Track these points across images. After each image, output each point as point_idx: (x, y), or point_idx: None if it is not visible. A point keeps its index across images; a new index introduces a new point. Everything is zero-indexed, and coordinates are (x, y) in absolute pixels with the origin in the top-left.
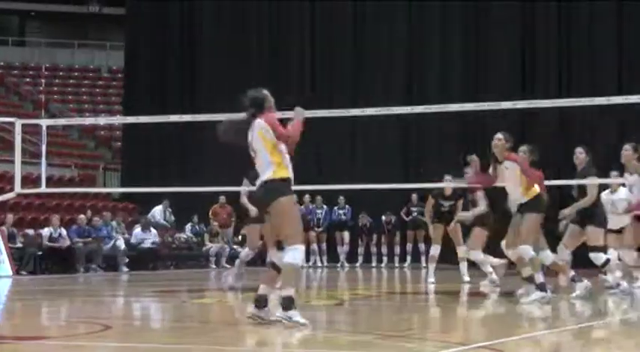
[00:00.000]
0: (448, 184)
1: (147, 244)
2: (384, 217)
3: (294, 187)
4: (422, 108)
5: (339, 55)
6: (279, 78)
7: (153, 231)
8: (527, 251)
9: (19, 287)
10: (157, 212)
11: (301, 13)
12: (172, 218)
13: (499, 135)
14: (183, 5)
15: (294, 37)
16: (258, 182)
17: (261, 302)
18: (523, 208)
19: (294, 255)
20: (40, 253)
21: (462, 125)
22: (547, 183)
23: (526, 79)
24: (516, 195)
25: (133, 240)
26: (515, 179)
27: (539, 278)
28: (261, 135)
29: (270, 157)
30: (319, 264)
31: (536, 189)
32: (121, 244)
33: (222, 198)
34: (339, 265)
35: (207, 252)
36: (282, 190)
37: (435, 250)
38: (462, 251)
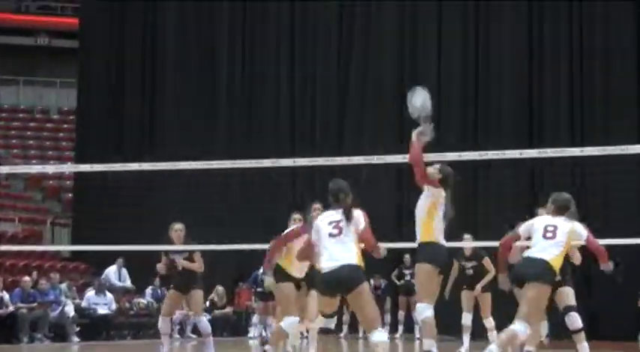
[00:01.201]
0: (469, 244)
1: (101, 310)
2: (372, 281)
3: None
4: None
5: (322, 97)
6: (251, 123)
7: (108, 295)
8: None
9: None
10: (111, 273)
11: (278, 48)
12: (128, 280)
13: None
14: (144, 38)
15: (270, 80)
16: (335, 264)
17: None
18: None
19: (383, 334)
20: None
21: (468, 173)
22: None
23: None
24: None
25: (84, 304)
26: None
27: None
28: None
29: (355, 245)
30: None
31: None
32: (71, 310)
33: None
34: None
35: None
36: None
37: (467, 319)
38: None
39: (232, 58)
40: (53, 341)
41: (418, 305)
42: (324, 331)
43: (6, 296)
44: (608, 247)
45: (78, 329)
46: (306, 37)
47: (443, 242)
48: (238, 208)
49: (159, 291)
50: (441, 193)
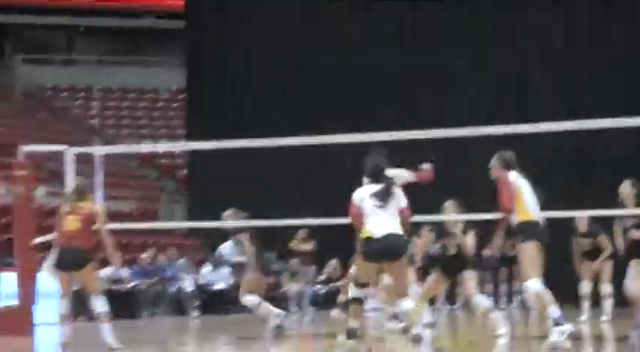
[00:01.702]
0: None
1: (218, 285)
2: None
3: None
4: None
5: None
6: (366, 96)
7: (224, 270)
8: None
9: (78, 334)
10: (226, 249)
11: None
12: (243, 254)
13: None
14: (251, 17)
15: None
16: (386, 230)
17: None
18: None
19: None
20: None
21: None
22: None
23: None
24: None
25: (202, 281)
26: None
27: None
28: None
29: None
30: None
31: None
32: (189, 285)
33: (303, 232)
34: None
35: (286, 294)
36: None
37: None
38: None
39: (339, 35)
40: (172, 315)
41: (526, 283)
42: (357, 301)
43: (126, 272)
44: None
45: (197, 303)
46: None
47: (538, 218)
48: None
49: (275, 266)
50: (509, 177)
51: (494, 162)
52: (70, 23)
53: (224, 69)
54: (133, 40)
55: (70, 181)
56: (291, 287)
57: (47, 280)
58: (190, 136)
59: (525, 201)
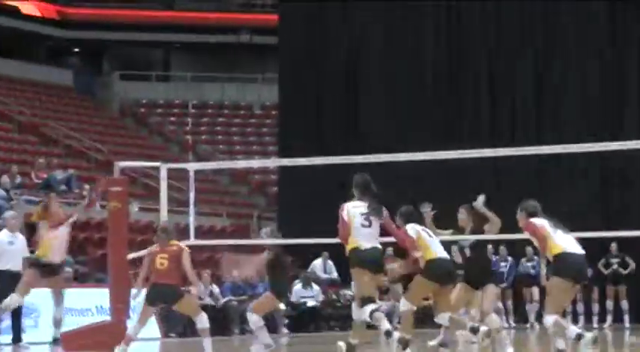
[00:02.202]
0: None
1: (309, 302)
2: None
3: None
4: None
5: (520, 91)
6: (452, 112)
7: (315, 287)
8: None
9: (168, 351)
10: (317, 266)
11: (481, 42)
12: (334, 272)
13: None
14: (343, 30)
15: (471, 67)
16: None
17: None
18: None
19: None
20: None
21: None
22: None
23: None
24: None
25: (292, 298)
26: None
27: None
28: None
29: None
30: (505, 325)
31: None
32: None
33: (390, 250)
34: (528, 325)
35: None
36: None
37: None
38: None
39: (438, 48)
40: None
41: (545, 317)
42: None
43: (216, 289)
44: None
45: (287, 321)
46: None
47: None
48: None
49: None
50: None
51: (518, 215)
52: (166, 40)
53: (316, 85)
54: (228, 55)
55: (164, 197)
56: (382, 305)
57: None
58: (282, 153)
59: (552, 238)
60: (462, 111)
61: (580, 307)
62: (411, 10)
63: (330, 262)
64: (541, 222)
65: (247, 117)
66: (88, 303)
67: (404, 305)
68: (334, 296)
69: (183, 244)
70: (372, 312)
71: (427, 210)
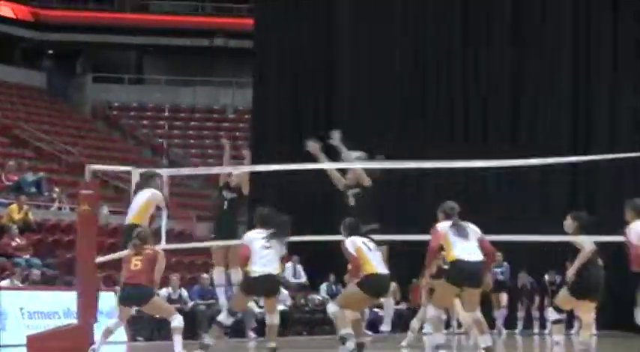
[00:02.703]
0: None
1: (277, 307)
2: (547, 276)
3: None
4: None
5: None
6: (426, 115)
7: (284, 291)
8: None
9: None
10: (287, 270)
11: (452, 46)
12: (304, 276)
13: None
14: (319, 35)
15: (445, 74)
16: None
17: None
18: None
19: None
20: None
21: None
22: None
23: None
24: None
25: (261, 302)
26: None
27: None
28: None
29: None
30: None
31: None
32: (253, 306)
33: None
34: (495, 331)
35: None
36: None
37: None
38: None
39: (405, 56)
40: (230, 337)
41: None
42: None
43: (185, 293)
44: None
45: (255, 325)
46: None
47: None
48: (415, 206)
49: (334, 288)
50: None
51: (438, 214)
52: (141, 43)
53: (291, 90)
54: (202, 59)
55: None
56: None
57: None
58: (255, 158)
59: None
60: (439, 116)
61: (536, 313)
62: (385, 15)
63: (299, 266)
64: (443, 228)
65: (220, 121)
66: (56, 306)
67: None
68: (302, 301)
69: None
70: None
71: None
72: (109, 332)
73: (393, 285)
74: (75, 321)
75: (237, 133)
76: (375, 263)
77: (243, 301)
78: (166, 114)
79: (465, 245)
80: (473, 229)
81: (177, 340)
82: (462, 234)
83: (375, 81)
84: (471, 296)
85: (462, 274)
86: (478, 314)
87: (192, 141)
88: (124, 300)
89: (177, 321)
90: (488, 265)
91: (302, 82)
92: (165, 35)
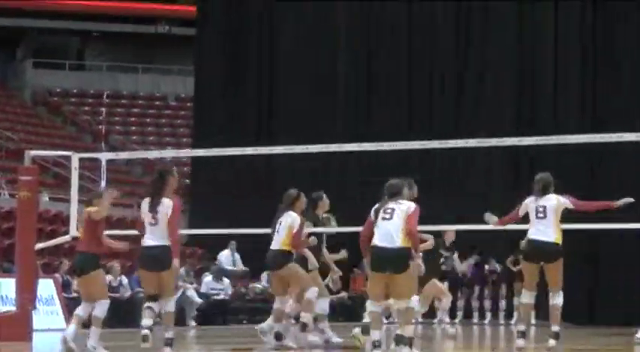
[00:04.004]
0: None
1: (218, 295)
2: (487, 266)
3: None
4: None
5: (438, 81)
6: (369, 103)
7: (225, 280)
8: None
9: (72, 342)
10: (224, 257)
11: (396, 27)
12: (241, 264)
13: None
14: (261, 24)
15: (385, 55)
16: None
17: None
18: None
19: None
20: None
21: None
22: None
23: None
24: None
25: (203, 289)
26: None
27: None
28: None
29: None
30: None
31: None
32: (194, 295)
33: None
34: (435, 321)
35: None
36: None
37: None
38: None
39: (350, 42)
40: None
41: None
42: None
43: (125, 280)
44: None
45: (196, 313)
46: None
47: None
48: (355, 192)
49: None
50: None
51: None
52: (83, 28)
53: (233, 78)
54: (145, 46)
55: (75, 186)
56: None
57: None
58: (196, 144)
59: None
60: (378, 103)
61: (487, 303)
62: (326, 5)
63: (237, 254)
64: (372, 213)
65: (162, 108)
66: None
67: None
68: (243, 290)
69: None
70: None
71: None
72: (77, 318)
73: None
74: (13, 308)
75: (179, 121)
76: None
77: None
78: (107, 100)
79: (383, 229)
80: (401, 209)
81: (95, 332)
82: (384, 215)
83: (317, 69)
84: (397, 284)
85: (377, 262)
86: (403, 304)
87: (133, 127)
88: (72, 271)
89: (100, 310)
90: (414, 247)
91: (244, 70)
92: (107, 21)
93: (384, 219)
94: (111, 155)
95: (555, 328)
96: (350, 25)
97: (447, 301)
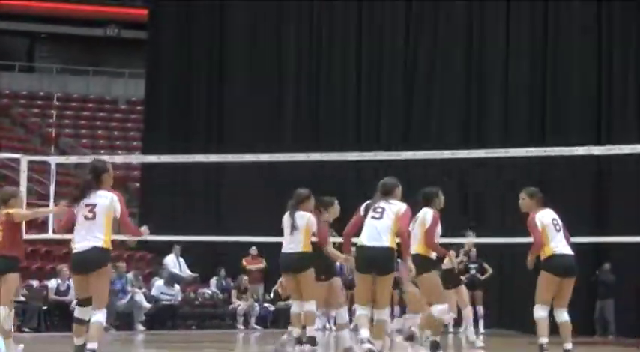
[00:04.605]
0: None
1: (168, 301)
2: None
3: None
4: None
5: (386, 92)
6: (317, 112)
7: (177, 286)
8: None
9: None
10: (170, 261)
11: (345, 36)
12: (186, 267)
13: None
14: (212, 28)
15: (337, 62)
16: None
17: None
18: None
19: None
20: (45, 308)
21: (525, 172)
22: None
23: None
24: None
25: (154, 292)
26: None
27: None
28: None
29: None
30: None
31: None
32: (142, 299)
33: (254, 250)
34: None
35: (234, 311)
36: None
37: None
38: None
39: (299, 50)
40: (118, 329)
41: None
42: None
43: (72, 284)
44: None
45: (144, 318)
46: (373, 32)
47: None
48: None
49: (223, 282)
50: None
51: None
52: (32, 30)
53: (183, 82)
54: (95, 49)
55: (23, 189)
56: (240, 305)
57: None
58: (146, 149)
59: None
60: (328, 110)
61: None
62: (277, 9)
63: (181, 259)
64: (363, 207)
65: (112, 111)
66: None
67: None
68: (192, 295)
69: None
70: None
71: None
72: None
73: (282, 280)
74: None
75: (130, 124)
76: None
77: None
78: (57, 103)
79: (371, 228)
80: (391, 208)
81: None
82: (374, 214)
83: (265, 74)
84: (379, 289)
85: (363, 262)
86: (383, 315)
87: (83, 130)
88: None
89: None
90: (405, 248)
91: (194, 74)
92: (57, 23)
93: (373, 217)
94: (60, 158)
95: (568, 346)
96: (299, 32)
97: (467, 311)
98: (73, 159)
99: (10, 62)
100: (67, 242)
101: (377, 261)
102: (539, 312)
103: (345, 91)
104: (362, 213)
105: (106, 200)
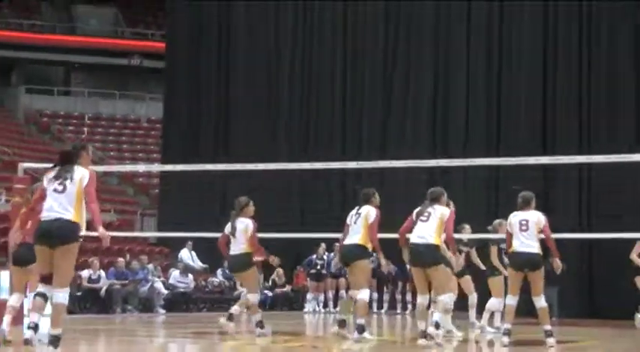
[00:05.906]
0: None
1: (184, 288)
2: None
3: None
4: (446, 162)
5: (367, 109)
6: (309, 128)
7: (190, 276)
8: None
9: None
10: (184, 254)
11: (332, 65)
12: (198, 261)
13: None
14: (219, 61)
15: (325, 89)
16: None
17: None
18: None
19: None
20: (79, 293)
21: (484, 180)
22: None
23: (547, 136)
24: None
25: (171, 281)
26: None
27: None
28: None
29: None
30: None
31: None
32: (161, 287)
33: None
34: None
35: (238, 296)
36: None
37: None
38: None
39: (293, 77)
40: (141, 312)
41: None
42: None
43: (103, 274)
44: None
45: (163, 302)
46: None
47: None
48: (296, 207)
49: (227, 271)
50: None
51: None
52: (68, 60)
53: (194, 104)
54: (121, 76)
55: None
56: (242, 291)
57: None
58: (164, 160)
59: None
60: (325, 129)
61: (409, 296)
62: (274, 43)
63: (193, 252)
64: (415, 212)
65: (135, 129)
66: None
67: None
68: (203, 283)
69: None
70: None
71: None
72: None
73: (280, 271)
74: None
75: (150, 139)
76: None
77: None
78: (89, 121)
79: (420, 229)
80: (437, 212)
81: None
82: (422, 218)
83: (265, 97)
84: (432, 279)
85: (413, 256)
86: (445, 298)
87: (110, 145)
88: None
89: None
90: (451, 246)
91: (203, 97)
92: (89, 54)
93: (421, 220)
94: (91, 168)
95: (547, 327)
96: (295, 57)
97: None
98: (101, 168)
99: (50, 87)
100: (97, 238)
101: (423, 256)
102: (507, 301)
103: (331, 111)
104: (413, 217)
105: (78, 174)
